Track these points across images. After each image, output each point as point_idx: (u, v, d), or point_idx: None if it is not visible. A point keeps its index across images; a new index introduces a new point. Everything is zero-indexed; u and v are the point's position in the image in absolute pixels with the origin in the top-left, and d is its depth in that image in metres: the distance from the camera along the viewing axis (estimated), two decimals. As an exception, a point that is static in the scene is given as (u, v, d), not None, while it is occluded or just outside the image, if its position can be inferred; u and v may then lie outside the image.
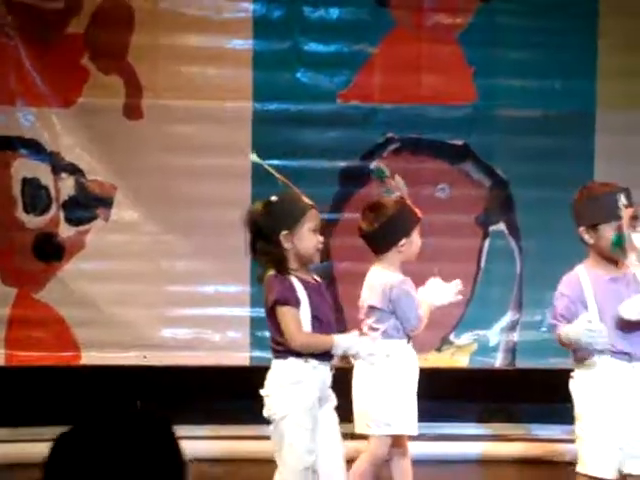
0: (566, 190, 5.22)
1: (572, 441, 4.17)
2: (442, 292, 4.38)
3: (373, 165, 5.59)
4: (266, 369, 5.85)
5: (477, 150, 5.94)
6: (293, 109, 5.93)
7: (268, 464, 5.65)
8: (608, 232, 3.90)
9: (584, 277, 3.97)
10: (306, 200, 3.97)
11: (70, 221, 5.40)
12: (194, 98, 5.84)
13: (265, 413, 3.78)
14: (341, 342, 3.78)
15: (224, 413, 5.62)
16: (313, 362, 3.73)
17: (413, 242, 4.41)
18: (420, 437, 4.57)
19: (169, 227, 5.83)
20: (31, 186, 5.66)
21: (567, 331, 3.86)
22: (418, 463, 4.37)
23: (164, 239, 5.82)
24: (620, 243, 3.90)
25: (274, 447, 3.80)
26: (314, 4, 5.94)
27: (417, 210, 4.52)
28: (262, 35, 5.90)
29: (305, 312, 3.81)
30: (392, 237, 4.37)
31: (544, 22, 5.87)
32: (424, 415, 4.67)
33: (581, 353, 3.94)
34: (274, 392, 3.77)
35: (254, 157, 4.47)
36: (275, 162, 5.72)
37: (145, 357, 5.54)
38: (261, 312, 5.63)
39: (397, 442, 4.32)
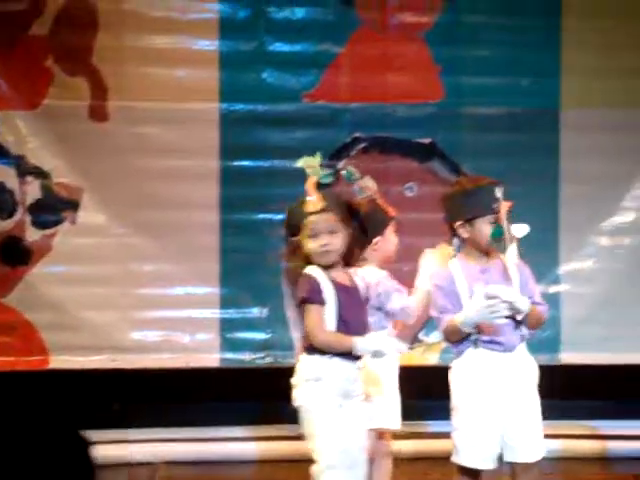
0: (532, 186, 5.28)
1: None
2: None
3: (342, 167, 5.43)
4: (236, 371, 5.80)
5: (444, 148, 5.95)
6: (260, 109, 5.92)
7: (239, 465, 5.67)
8: (485, 226, 3.94)
9: (457, 270, 4.03)
10: (309, 206, 3.94)
11: (36, 224, 5.35)
12: (160, 100, 5.82)
13: (294, 403, 3.85)
14: (359, 344, 3.80)
15: (195, 415, 5.59)
16: (336, 360, 3.78)
17: (389, 240, 4.46)
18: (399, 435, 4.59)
19: (137, 229, 5.80)
20: None
21: (465, 316, 3.91)
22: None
23: (132, 241, 5.80)
24: (499, 235, 3.96)
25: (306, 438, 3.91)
26: (279, 4, 5.93)
27: (390, 209, 4.57)
28: (228, 36, 5.88)
29: (330, 312, 3.83)
30: (367, 236, 4.38)
31: (509, 20, 5.91)
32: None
33: (460, 346, 3.98)
34: (299, 385, 3.85)
35: (316, 160, 4.22)
36: (243, 162, 5.80)
37: (114, 360, 5.50)
38: (231, 313, 5.92)
39: (380, 438, 4.36)
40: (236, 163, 5.91)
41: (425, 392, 5.50)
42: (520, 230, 4.06)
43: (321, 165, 4.05)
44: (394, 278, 4.43)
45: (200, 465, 5.53)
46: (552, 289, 5.98)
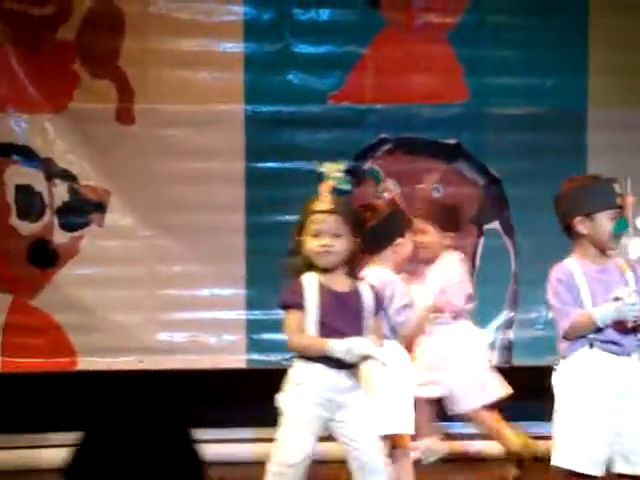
0: (559, 187, 5.33)
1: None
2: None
3: (367, 167, 5.59)
4: (262, 372, 5.76)
5: (470, 149, 5.92)
6: (285, 111, 5.90)
7: (264, 466, 5.67)
8: (606, 221, 3.89)
9: (575, 268, 3.96)
10: (316, 205, 3.99)
11: (64, 227, 5.39)
12: (186, 102, 5.82)
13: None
14: (336, 346, 3.77)
15: (221, 416, 5.58)
16: (318, 366, 3.77)
17: (407, 244, 4.48)
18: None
19: (163, 231, 5.81)
20: (25, 193, 5.63)
21: (606, 311, 3.84)
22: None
23: (159, 243, 5.81)
24: (624, 230, 3.92)
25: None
26: (304, 6, 5.91)
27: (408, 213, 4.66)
28: (253, 38, 5.87)
29: (311, 316, 3.86)
30: (387, 237, 4.41)
31: (534, 20, 5.88)
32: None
33: (573, 345, 3.93)
34: (283, 389, 3.89)
35: (339, 166, 4.35)
36: (269, 164, 5.86)
37: (142, 362, 5.52)
38: (257, 314, 5.91)
39: (398, 442, 4.33)
40: (261, 165, 5.91)
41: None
42: None
43: (343, 171, 4.15)
44: (417, 278, 4.60)
45: (223, 465, 5.39)
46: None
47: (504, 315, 6.04)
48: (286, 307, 3.95)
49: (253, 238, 5.88)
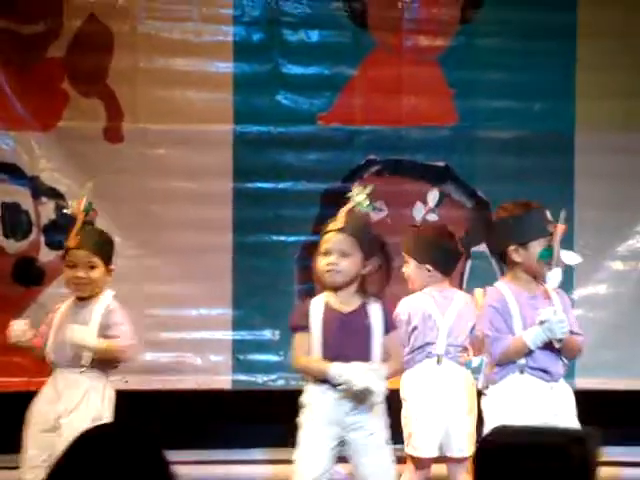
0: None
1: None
2: None
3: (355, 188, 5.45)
4: (248, 392, 5.78)
5: (458, 171, 5.87)
6: (274, 131, 5.85)
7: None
8: (538, 248, 4.03)
9: (508, 294, 4.11)
10: (329, 224, 4.05)
11: (51, 245, 5.35)
12: (175, 122, 5.80)
13: None
14: (334, 370, 3.83)
15: (206, 436, 5.58)
16: (323, 387, 3.85)
17: None
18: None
19: (150, 250, 5.79)
20: (11, 211, 5.58)
21: (530, 334, 3.98)
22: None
23: (145, 262, 5.78)
24: (548, 257, 4.04)
25: None
26: (294, 27, 5.87)
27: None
28: (243, 58, 5.84)
29: (316, 337, 3.94)
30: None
31: (523, 44, 5.83)
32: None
33: (503, 371, 4.09)
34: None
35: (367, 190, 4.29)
36: (257, 184, 5.86)
37: (127, 381, 5.34)
38: (243, 335, 5.89)
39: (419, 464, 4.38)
40: (249, 185, 5.88)
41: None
42: (571, 258, 4.18)
43: (368, 195, 4.14)
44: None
45: None
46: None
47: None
48: (292, 329, 4.04)
49: (240, 258, 5.85)
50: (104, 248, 4.61)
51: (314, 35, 5.89)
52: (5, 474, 4.96)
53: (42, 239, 5.46)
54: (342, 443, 3.99)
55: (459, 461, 4.43)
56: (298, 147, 5.81)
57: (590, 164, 5.82)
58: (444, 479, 4.81)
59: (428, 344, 4.46)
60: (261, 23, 5.86)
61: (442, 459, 4.56)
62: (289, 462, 5.53)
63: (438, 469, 4.81)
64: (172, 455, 5.36)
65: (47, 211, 5.37)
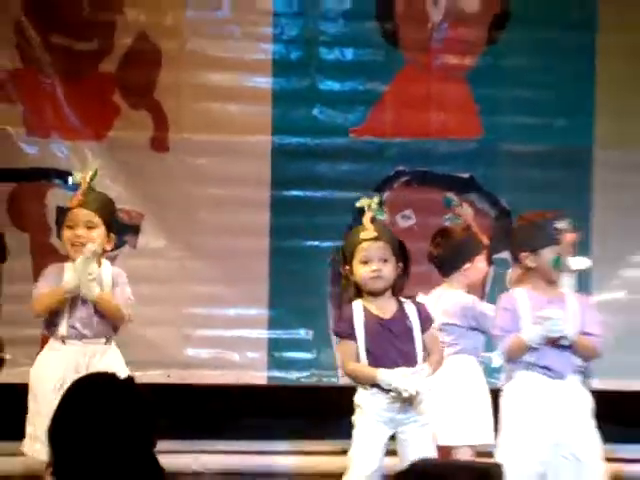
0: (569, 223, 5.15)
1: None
2: None
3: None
4: (282, 388, 6.04)
5: (482, 182, 6.01)
6: (310, 143, 6.02)
7: (281, 478, 5.80)
8: (549, 255, 4.15)
9: (523, 297, 4.20)
10: (362, 234, 4.17)
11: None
12: (217, 133, 5.96)
13: None
14: (382, 376, 3.99)
15: (242, 429, 5.78)
16: (372, 390, 4.02)
17: (477, 268, 4.76)
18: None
19: (193, 253, 5.97)
20: (63, 212, 5.58)
21: (531, 332, 4.11)
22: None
23: (188, 264, 5.96)
24: (557, 265, 4.16)
25: None
26: (330, 45, 6.04)
27: (484, 237, 4.86)
28: (281, 74, 6.01)
29: (361, 345, 4.09)
30: (457, 261, 4.71)
31: (546, 63, 5.99)
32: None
33: (513, 368, 4.22)
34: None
35: (375, 200, 4.44)
36: (293, 193, 6.07)
37: (169, 376, 5.69)
38: (278, 333, 6.08)
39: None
40: (286, 193, 6.04)
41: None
42: (579, 263, 4.29)
43: (378, 203, 4.28)
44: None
45: (244, 476, 5.66)
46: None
47: (513, 339, 6.12)
48: (339, 336, 4.20)
49: (276, 261, 6.02)
50: (105, 209, 4.56)
51: (349, 53, 6.07)
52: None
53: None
54: (392, 437, 4.12)
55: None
56: (332, 158, 5.98)
57: (607, 178, 5.96)
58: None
59: None
60: (299, 41, 6.03)
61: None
62: (318, 454, 5.73)
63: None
64: (209, 445, 5.57)
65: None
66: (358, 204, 4.33)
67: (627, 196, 5.87)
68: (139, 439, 2.14)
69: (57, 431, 2.15)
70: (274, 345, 5.99)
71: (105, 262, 4.52)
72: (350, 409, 4.26)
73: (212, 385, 5.90)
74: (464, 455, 4.60)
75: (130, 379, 2.22)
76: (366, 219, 4.20)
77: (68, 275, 4.46)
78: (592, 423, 4.24)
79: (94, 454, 2.10)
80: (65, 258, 4.62)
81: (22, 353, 5.89)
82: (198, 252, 5.97)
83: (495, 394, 5.46)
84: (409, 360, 4.08)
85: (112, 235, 4.49)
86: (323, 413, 5.80)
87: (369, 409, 4.10)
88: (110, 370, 2.73)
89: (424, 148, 6.07)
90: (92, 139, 5.91)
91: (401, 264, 4.21)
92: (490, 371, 5.59)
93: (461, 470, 2.29)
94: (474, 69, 6.05)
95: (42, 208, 5.88)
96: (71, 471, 2.14)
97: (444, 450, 4.55)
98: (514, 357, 4.20)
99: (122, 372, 3.81)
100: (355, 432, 4.11)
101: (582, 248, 5.39)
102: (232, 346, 6.01)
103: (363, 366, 4.10)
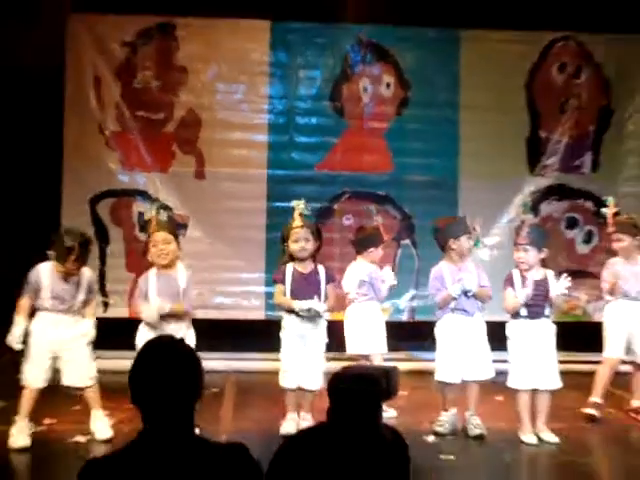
0: (438, 223, 5.68)
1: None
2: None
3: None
4: (276, 323, 5.79)
5: (393, 197, 7.53)
6: (290, 174, 7.42)
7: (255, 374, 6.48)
8: (464, 240, 5.04)
9: (445, 268, 5.08)
10: (294, 224, 4.93)
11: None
12: (234, 167, 7.39)
13: None
14: (296, 304, 4.91)
15: (248, 344, 6.99)
16: (291, 315, 4.98)
17: (377, 252, 5.65)
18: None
19: (218, 240, 7.37)
20: (142, 216, 6.70)
21: (453, 288, 4.89)
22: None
23: (215, 247, 7.40)
24: (477, 244, 5.15)
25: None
26: (302, 115, 7.48)
27: (386, 235, 5.77)
28: (273, 132, 7.46)
29: (287, 287, 5.03)
30: (365, 246, 5.62)
31: (429, 127, 7.53)
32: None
33: (443, 311, 5.06)
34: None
35: (302, 202, 5.09)
36: (280, 204, 6.90)
37: (206, 314, 6.52)
38: (270, 289, 6.59)
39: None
40: (277, 204, 7.24)
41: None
42: (488, 243, 5.29)
43: (304, 204, 5.07)
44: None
45: (259, 374, 6.63)
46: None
47: (411, 292, 7.53)
48: (275, 282, 5.08)
49: (270, 241, 7.17)
50: (172, 228, 5.06)
51: (314, 120, 7.53)
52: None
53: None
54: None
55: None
56: (303, 183, 7.28)
57: (468, 196, 7.45)
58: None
59: None
60: (283, 113, 7.48)
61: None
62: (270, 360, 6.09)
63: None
64: (230, 355, 7.25)
65: (163, 216, 5.29)
66: (293, 204, 5.02)
67: (478, 207, 6.94)
68: (189, 383, 2.24)
69: (135, 374, 2.26)
70: (268, 296, 7.11)
71: (179, 265, 5.02)
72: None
73: (231, 320, 7.24)
74: (376, 360, 5.50)
75: (182, 341, 2.33)
76: (297, 214, 5.02)
77: (152, 293, 4.82)
78: (486, 341, 5.04)
79: (159, 392, 2.22)
80: (147, 263, 5.12)
81: (118, 300, 7.29)
82: (221, 239, 7.34)
83: (401, 325, 6.65)
84: (314, 298, 4.93)
85: (179, 242, 5.06)
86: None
87: (289, 327, 5.00)
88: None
89: (358, 177, 7.47)
90: (159, 172, 7.36)
91: (317, 242, 5.01)
92: (396, 312, 7.07)
93: (374, 369, 2.56)
94: (388, 130, 7.50)
95: (130, 213, 7.33)
96: (145, 404, 2.23)
97: (364, 357, 5.53)
98: (444, 305, 5.02)
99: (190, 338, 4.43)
100: (282, 341, 5.01)
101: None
102: (243, 296, 7.40)
103: (287, 299, 4.97)
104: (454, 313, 5.08)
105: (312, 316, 4.89)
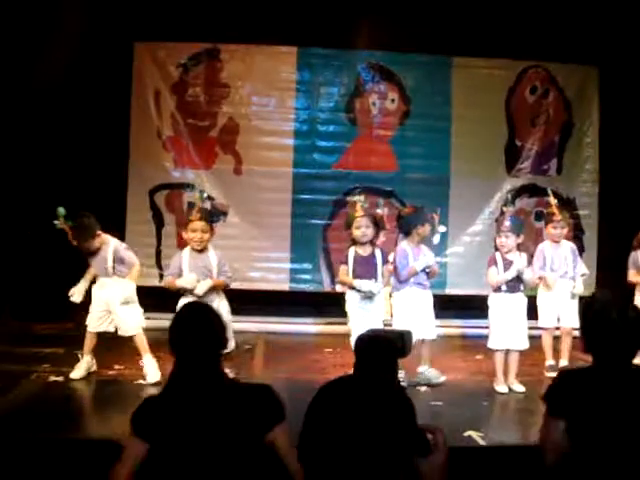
0: (435, 204, 6.35)
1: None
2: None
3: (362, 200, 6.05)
4: (297, 292, 8.10)
5: (397, 193, 8.36)
6: (312, 172, 8.31)
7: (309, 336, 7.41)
8: (427, 227, 5.59)
9: (408, 249, 5.57)
10: (357, 214, 5.27)
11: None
12: (266, 166, 8.30)
13: None
14: (357, 283, 5.26)
15: (273, 311, 7.92)
16: (353, 291, 5.34)
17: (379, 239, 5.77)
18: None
19: (252, 224, 8.28)
20: (191, 206, 6.21)
21: (418, 264, 5.34)
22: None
23: (250, 231, 8.30)
24: (433, 230, 5.62)
25: None
26: (322, 124, 8.32)
27: (386, 224, 5.99)
28: (298, 137, 8.36)
29: (350, 267, 5.40)
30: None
31: (426, 135, 8.39)
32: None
33: (403, 285, 5.45)
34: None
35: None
36: (304, 196, 8.11)
37: (241, 285, 7.06)
38: (295, 266, 8.01)
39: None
40: (300, 196, 8.29)
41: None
42: (442, 229, 5.72)
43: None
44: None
45: (287, 335, 7.54)
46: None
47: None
48: (341, 263, 5.40)
49: (296, 224, 8.16)
50: (209, 218, 5.42)
51: (331, 127, 8.42)
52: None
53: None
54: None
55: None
56: (323, 179, 8.24)
57: (457, 191, 8.32)
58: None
59: None
60: (307, 121, 8.39)
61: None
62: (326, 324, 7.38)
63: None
64: (255, 318, 8.24)
65: (207, 205, 5.90)
66: (355, 199, 5.56)
67: (465, 201, 8.26)
68: (211, 336, 2.51)
69: (172, 328, 2.59)
70: (293, 272, 8.31)
71: (211, 249, 5.38)
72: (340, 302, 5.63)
73: (261, 290, 8.21)
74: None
75: (209, 306, 2.63)
76: (358, 206, 5.49)
77: (186, 269, 5.06)
78: (432, 308, 5.48)
79: (188, 341, 2.50)
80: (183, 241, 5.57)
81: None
82: (255, 224, 8.28)
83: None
84: (372, 278, 5.35)
85: (214, 230, 5.37)
86: (321, 303, 7.83)
87: (351, 301, 5.40)
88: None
89: (368, 175, 8.30)
90: (204, 169, 8.30)
91: (376, 228, 5.41)
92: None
93: (391, 332, 2.73)
94: (393, 137, 8.40)
95: (180, 202, 8.14)
96: (178, 350, 2.50)
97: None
98: (408, 278, 5.52)
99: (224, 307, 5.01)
100: (349, 313, 5.39)
101: (444, 222, 6.44)
102: (270, 271, 8.36)
103: (349, 278, 5.37)
104: (411, 287, 5.64)
105: (368, 295, 5.40)
